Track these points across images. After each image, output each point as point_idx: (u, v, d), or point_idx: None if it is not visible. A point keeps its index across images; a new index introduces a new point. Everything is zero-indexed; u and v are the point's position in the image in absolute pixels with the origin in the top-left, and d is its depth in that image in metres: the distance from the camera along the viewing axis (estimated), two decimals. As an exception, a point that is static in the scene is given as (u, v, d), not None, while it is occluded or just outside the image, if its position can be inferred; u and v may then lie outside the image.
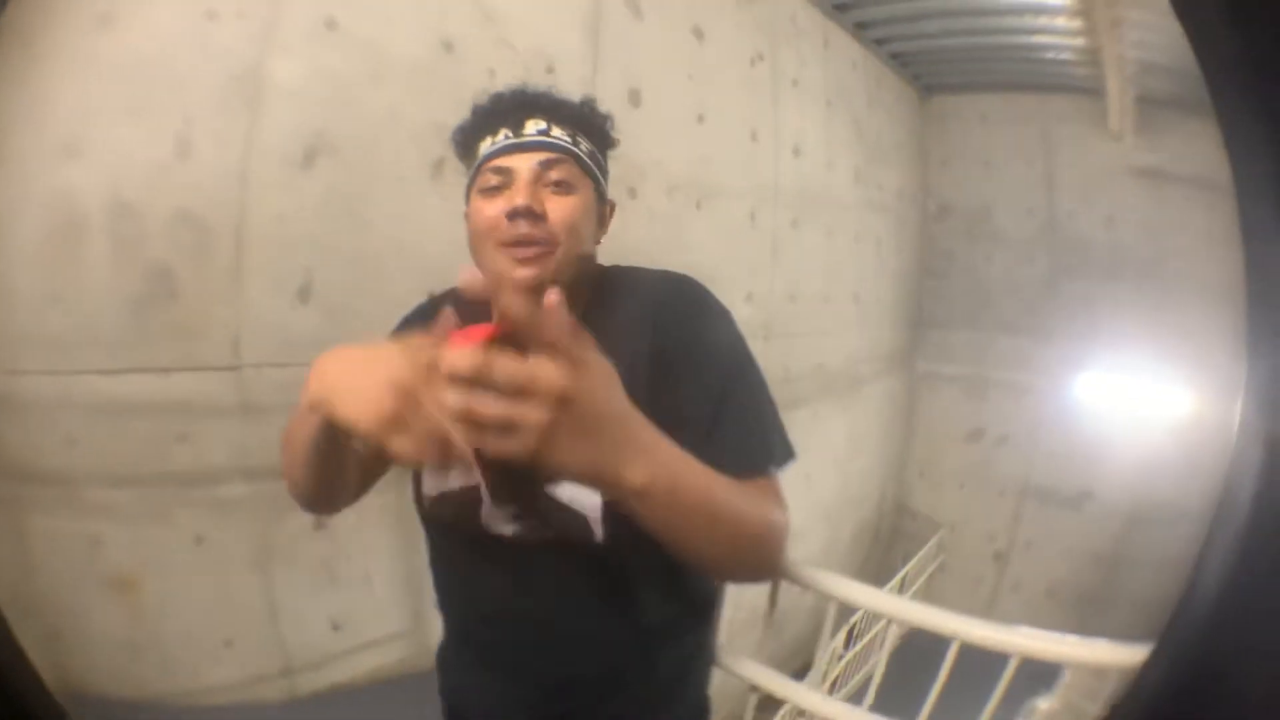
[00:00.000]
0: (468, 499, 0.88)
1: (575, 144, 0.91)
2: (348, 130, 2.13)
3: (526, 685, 0.95)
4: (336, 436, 0.73)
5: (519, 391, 0.53)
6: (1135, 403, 4.40)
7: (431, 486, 0.92)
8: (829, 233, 4.65)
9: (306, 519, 2.16)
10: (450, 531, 0.97)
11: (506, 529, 0.87)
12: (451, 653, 1.08)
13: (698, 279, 0.93)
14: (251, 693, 2.14)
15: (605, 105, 2.85)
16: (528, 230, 0.83)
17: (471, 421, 0.54)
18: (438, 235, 2.36)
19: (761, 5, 3.92)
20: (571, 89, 2.71)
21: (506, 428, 0.54)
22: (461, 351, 0.53)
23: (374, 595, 2.35)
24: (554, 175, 0.87)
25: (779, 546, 0.84)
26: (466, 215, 0.92)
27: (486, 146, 0.91)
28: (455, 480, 0.89)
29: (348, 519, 2.37)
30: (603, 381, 0.60)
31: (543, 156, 0.87)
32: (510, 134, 0.89)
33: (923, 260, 5.53)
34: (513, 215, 0.84)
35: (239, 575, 2.09)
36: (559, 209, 0.86)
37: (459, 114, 2.38)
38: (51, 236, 1.77)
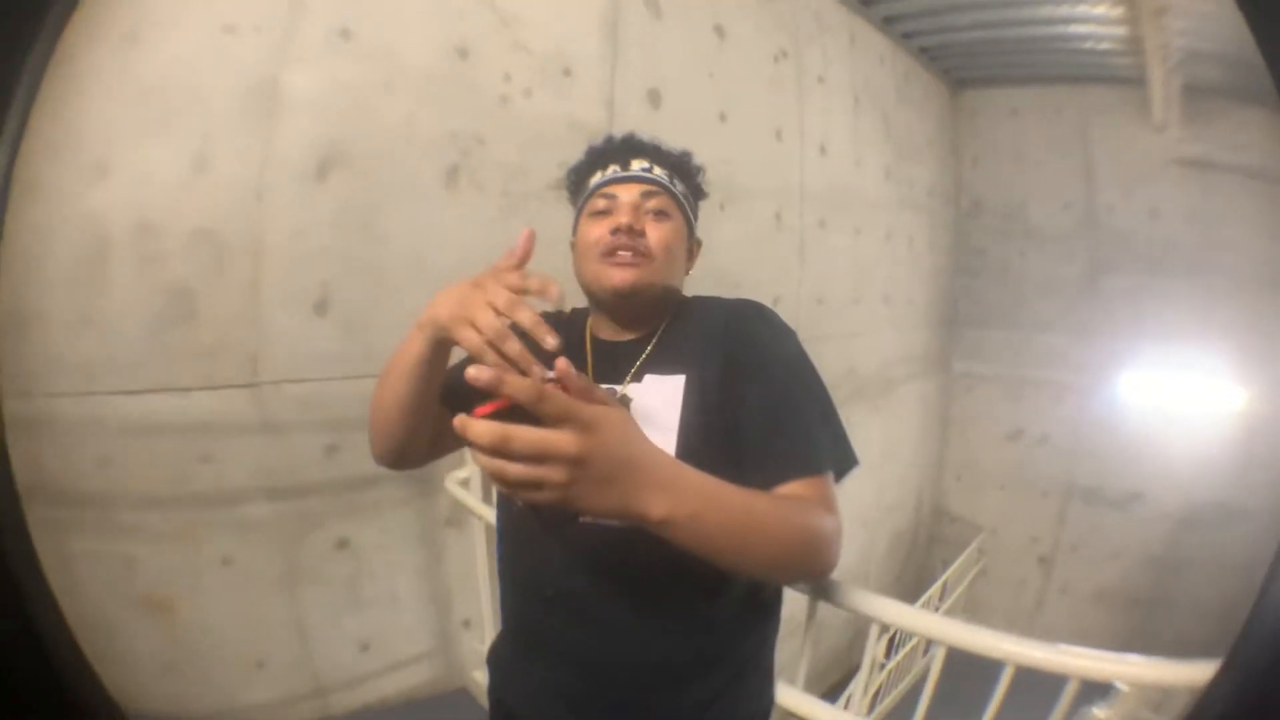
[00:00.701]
0: None
1: (672, 183, 1.05)
2: (362, 140, 2.13)
3: (578, 673, 0.97)
4: (431, 358, 0.86)
5: (538, 458, 0.61)
6: (1184, 400, 4.29)
7: None
8: (857, 232, 4.58)
9: (330, 538, 2.17)
10: (523, 512, 0.99)
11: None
12: (505, 647, 1.10)
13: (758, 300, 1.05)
14: (286, 713, 2.14)
15: (626, 107, 2.83)
16: (628, 242, 0.98)
17: (503, 481, 0.62)
18: (454, 244, 2.38)
19: (785, 1, 3.87)
20: (589, 91, 2.71)
21: (534, 485, 0.62)
22: (482, 425, 0.60)
23: (400, 615, 2.35)
24: (652, 204, 1.01)
25: (822, 552, 0.86)
26: (573, 244, 1.06)
27: (597, 178, 1.05)
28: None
29: (370, 536, 2.35)
30: (615, 433, 0.66)
31: (644, 188, 1.02)
32: (619, 169, 1.04)
33: (956, 258, 5.44)
34: (616, 231, 0.98)
35: (267, 596, 2.10)
36: (656, 231, 1.00)
37: (473, 121, 2.40)
38: (82, 259, 1.78)
